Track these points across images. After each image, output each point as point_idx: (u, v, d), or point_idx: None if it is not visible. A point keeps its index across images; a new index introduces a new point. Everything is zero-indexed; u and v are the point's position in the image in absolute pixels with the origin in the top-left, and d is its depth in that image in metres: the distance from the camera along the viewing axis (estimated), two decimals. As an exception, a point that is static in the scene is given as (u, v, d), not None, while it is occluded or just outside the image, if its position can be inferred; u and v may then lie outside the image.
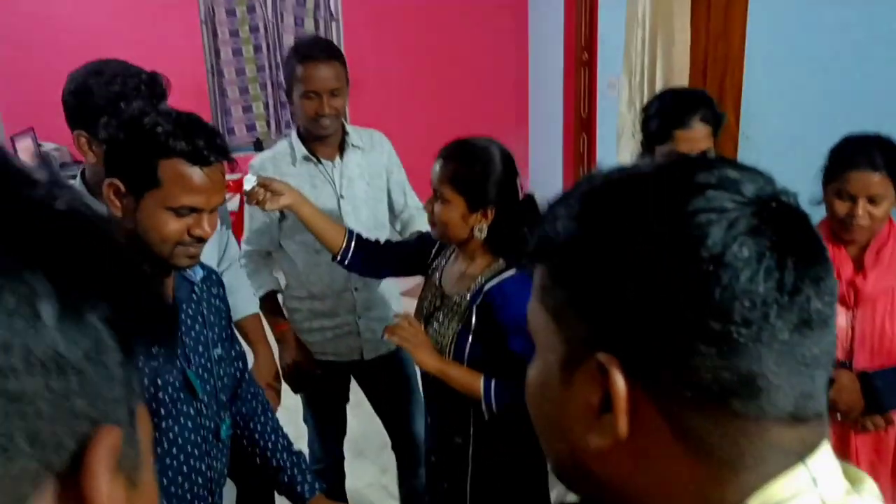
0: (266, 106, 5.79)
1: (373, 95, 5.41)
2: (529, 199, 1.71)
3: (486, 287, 1.66)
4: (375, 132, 2.27)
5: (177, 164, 1.25)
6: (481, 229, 1.67)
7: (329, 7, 5.73)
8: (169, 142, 1.25)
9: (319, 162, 2.14)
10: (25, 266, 0.30)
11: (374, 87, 5.37)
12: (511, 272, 1.66)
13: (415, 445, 2.36)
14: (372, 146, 2.23)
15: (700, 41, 3.62)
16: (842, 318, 1.79)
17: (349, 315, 2.22)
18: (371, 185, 2.21)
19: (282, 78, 5.75)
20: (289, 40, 5.72)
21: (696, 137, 1.88)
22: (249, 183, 1.81)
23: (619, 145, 3.96)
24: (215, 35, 5.58)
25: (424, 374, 1.76)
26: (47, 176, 0.34)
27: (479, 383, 1.65)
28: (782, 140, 2.83)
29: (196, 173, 1.27)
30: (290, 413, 2.32)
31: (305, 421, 2.40)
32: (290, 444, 1.64)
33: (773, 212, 0.49)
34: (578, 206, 0.54)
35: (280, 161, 2.14)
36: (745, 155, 3.17)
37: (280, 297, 2.28)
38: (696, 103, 1.92)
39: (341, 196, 2.15)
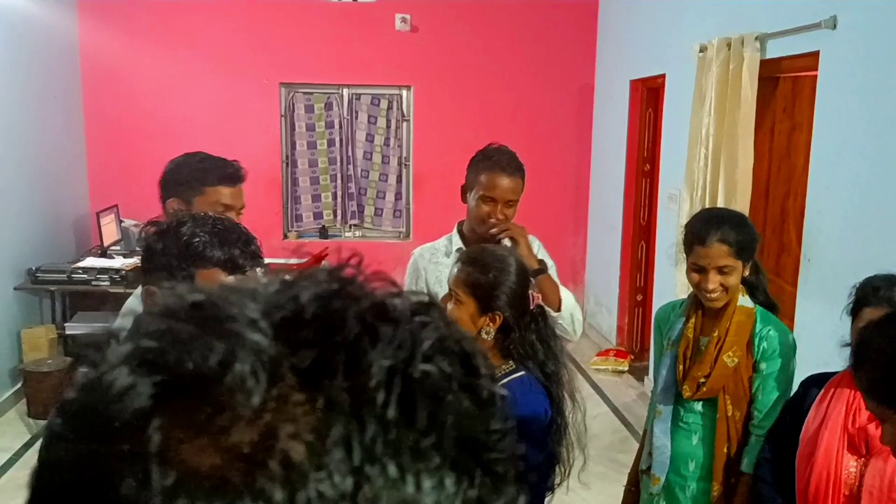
0: (334, 196, 6.01)
1: (438, 191, 5.57)
2: (539, 308, 1.81)
3: None
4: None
5: (213, 273, 1.32)
6: (488, 332, 1.75)
7: (401, 108, 6.01)
8: (206, 251, 1.31)
9: None
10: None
11: (440, 182, 5.54)
12: (519, 374, 1.74)
13: None
14: None
15: (763, 162, 3.64)
16: (852, 465, 1.73)
17: None
18: None
19: (350, 171, 6.00)
20: (361, 136, 5.99)
21: (711, 255, 1.95)
22: None
23: (677, 256, 3.95)
24: (293, 128, 5.89)
25: None
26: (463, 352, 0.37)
27: None
28: (843, 265, 2.78)
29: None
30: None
31: None
32: None
33: None
34: None
35: (437, 251, 2.33)
36: (804, 278, 3.12)
37: None
38: (720, 223, 1.98)
39: None
